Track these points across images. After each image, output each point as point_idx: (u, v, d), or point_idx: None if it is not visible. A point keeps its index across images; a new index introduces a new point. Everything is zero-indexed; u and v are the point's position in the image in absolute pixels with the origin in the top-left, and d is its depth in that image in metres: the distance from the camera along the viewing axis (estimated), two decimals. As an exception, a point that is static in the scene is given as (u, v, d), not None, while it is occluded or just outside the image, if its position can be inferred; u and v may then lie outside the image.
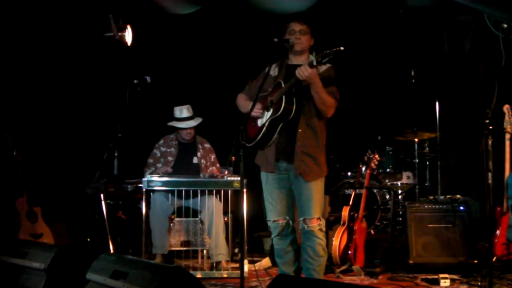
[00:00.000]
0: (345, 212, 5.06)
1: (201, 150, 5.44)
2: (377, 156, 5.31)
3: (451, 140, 6.32)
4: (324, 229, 3.76)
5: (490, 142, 3.91)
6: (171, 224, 5.02)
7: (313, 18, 4.05)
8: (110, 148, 4.41)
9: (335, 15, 6.04)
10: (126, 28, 4.71)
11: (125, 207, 5.40)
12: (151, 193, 5.05)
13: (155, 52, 6.28)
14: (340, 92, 3.72)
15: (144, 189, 4.76)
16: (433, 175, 6.29)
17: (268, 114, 3.69)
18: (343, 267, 4.91)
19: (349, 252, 4.93)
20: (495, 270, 4.38)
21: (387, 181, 6.14)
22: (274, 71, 3.86)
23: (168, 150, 5.41)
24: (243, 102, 3.95)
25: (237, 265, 5.12)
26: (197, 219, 4.99)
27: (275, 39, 3.64)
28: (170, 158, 5.36)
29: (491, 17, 4.40)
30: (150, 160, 5.38)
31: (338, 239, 4.94)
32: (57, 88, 5.92)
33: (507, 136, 4.53)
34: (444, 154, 6.36)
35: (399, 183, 6.04)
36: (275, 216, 3.79)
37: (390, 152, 6.16)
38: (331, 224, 5.31)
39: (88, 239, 5.14)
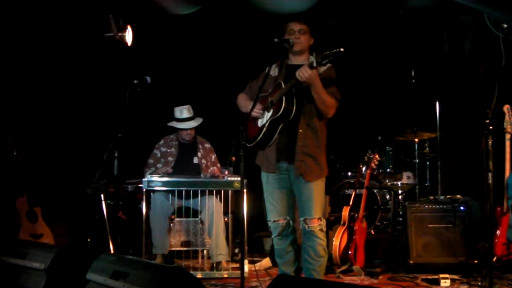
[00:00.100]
0: (345, 212, 5.06)
1: (201, 150, 5.44)
2: (377, 156, 5.31)
3: (451, 140, 6.32)
4: (324, 229, 3.76)
5: (490, 142, 3.91)
6: (171, 224, 5.02)
7: (312, 18, 4.05)
8: (110, 148, 4.41)
9: (335, 15, 6.04)
10: (126, 28, 4.71)
11: (125, 207, 5.40)
12: (151, 193, 5.04)
13: (155, 52, 6.28)
14: (341, 92, 3.72)
15: (144, 189, 4.76)
16: (433, 175, 6.29)
17: (268, 115, 3.69)
18: (343, 267, 4.90)
19: (349, 252, 4.93)
20: (495, 270, 4.38)
21: (387, 181, 6.13)
22: (274, 71, 3.86)
23: (168, 150, 5.41)
24: (243, 102, 3.94)
25: (238, 265, 5.12)
26: (197, 219, 4.99)
27: (275, 39, 3.64)
28: (170, 159, 5.36)
29: (491, 17, 4.40)
30: (151, 161, 5.38)
31: (338, 239, 4.94)
32: (57, 88, 5.92)
33: (507, 136, 4.53)
34: (444, 154, 6.36)
35: (399, 183, 6.04)
36: (275, 216, 3.79)
37: (390, 152, 6.16)
38: (331, 224, 5.31)
39: (88, 239, 5.14)
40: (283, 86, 3.62)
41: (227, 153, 3.53)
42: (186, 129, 5.31)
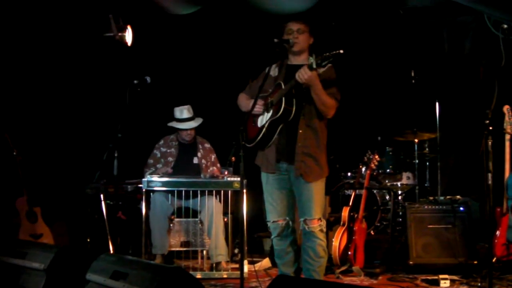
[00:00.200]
0: (345, 212, 5.06)
1: (201, 151, 5.44)
2: (377, 156, 5.31)
3: (451, 140, 6.32)
4: (324, 230, 3.75)
5: (490, 142, 3.91)
6: (171, 225, 5.02)
7: (311, 17, 4.05)
8: (110, 149, 4.41)
9: (335, 16, 6.04)
10: (126, 28, 4.71)
11: (125, 208, 5.40)
12: (151, 194, 5.04)
13: (155, 53, 6.28)
14: (341, 92, 3.71)
15: (144, 190, 4.75)
16: (433, 176, 6.29)
17: (268, 115, 3.69)
18: (343, 268, 4.90)
19: (349, 252, 4.93)
20: (495, 270, 4.38)
21: (387, 181, 6.14)
22: (274, 71, 3.86)
23: (168, 150, 5.40)
24: (244, 102, 3.94)
25: (237, 265, 5.12)
26: (197, 219, 4.99)
27: (275, 40, 3.64)
28: (170, 159, 5.36)
29: (491, 17, 4.40)
30: (150, 161, 5.38)
31: (338, 240, 4.94)
32: (57, 88, 5.92)
33: (507, 136, 4.53)
34: (444, 154, 6.35)
35: (399, 183, 6.04)
36: (275, 217, 3.79)
37: (390, 153, 6.16)
38: (331, 224, 5.31)
39: (88, 240, 5.14)
40: (283, 86, 3.62)
41: (227, 153, 3.54)
42: (186, 129, 5.31)
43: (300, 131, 3.64)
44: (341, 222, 5.07)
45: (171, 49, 6.51)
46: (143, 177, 4.89)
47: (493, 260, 4.39)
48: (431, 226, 4.93)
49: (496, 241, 4.49)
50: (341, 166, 6.40)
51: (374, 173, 5.87)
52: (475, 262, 4.70)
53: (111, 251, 4.61)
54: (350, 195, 5.41)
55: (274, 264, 5.02)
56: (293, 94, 3.57)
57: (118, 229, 5.16)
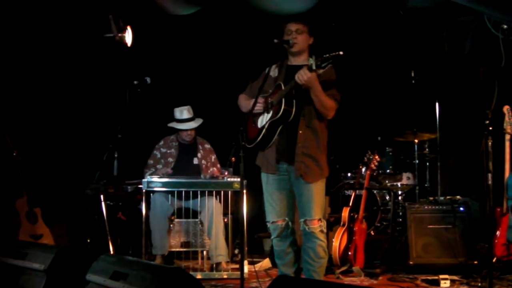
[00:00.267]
0: (345, 213, 5.06)
1: (201, 151, 5.44)
2: (377, 157, 5.31)
3: (451, 141, 6.32)
4: (325, 230, 3.75)
5: (490, 143, 3.91)
6: (171, 225, 5.02)
7: (310, 17, 4.05)
8: (110, 149, 4.41)
9: (335, 16, 6.04)
10: (126, 29, 4.70)
11: (125, 208, 5.40)
12: (151, 194, 5.04)
13: (155, 53, 6.28)
14: (341, 93, 3.71)
15: (144, 190, 4.76)
16: (433, 176, 6.28)
17: (268, 116, 3.69)
18: (343, 268, 4.90)
19: (349, 253, 4.93)
20: (495, 271, 4.38)
21: (387, 182, 6.14)
22: (274, 72, 3.86)
23: (168, 151, 5.40)
24: (244, 102, 3.94)
25: (237, 266, 5.12)
26: (197, 220, 4.99)
27: (275, 40, 3.64)
28: (170, 159, 5.36)
29: (491, 18, 4.41)
30: (150, 161, 5.38)
31: (338, 240, 4.94)
32: (57, 89, 5.92)
33: (507, 137, 4.53)
34: (444, 155, 6.35)
35: (399, 184, 6.04)
36: (274, 217, 3.79)
37: (390, 153, 6.16)
38: (331, 225, 5.31)
39: (88, 240, 5.13)
40: (283, 87, 3.63)
41: (227, 154, 3.53)
42: (186, 130, 5.31)
43: (300, 131, 3.64)
44: (341, 223, 5.08)
45: (171, 50, 6.51)
46: (143, 178, 4.89)
47: (493, 260, 4.39)
48: (431, 226, 4.93)
49: (496, 241, 4.49)
50: (341, 167, 6.40)
51: (374, 174, 5.87)
52: (475, 262, 4.70)
53: (111, 252, 4.60)
54: (350, 196, 5.42)
55: (274, 264, 5.02)
56: (293, 95, 3.58)
57: (118, 229, 5.15)
